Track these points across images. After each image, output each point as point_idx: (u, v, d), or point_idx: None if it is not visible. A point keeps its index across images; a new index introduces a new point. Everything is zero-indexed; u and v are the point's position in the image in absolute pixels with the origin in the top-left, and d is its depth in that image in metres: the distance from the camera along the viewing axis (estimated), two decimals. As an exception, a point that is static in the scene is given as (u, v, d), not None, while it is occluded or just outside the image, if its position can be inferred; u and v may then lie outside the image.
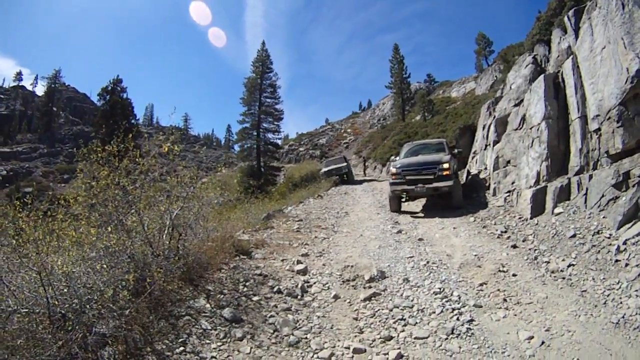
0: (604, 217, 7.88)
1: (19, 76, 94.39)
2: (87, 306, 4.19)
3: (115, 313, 4.31)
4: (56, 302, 4.02)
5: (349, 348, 5.12)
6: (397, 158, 16.28)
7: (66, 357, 3.68)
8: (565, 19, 11.37)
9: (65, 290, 4.21)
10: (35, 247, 4.19)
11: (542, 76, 11.37)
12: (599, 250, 7.09)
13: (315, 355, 4.98)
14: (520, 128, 12.48)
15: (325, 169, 30.89)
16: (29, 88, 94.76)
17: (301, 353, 5.03)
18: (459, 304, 6.12)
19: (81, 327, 3.94)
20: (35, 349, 3.57)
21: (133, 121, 43.48)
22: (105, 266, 4.87)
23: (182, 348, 4.52)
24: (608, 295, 5.83)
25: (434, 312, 5.94)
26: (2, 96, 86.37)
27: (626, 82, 8.13)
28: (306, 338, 5.39)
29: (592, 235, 7.60)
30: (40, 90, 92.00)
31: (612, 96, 8.47)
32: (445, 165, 13.16)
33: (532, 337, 5.04)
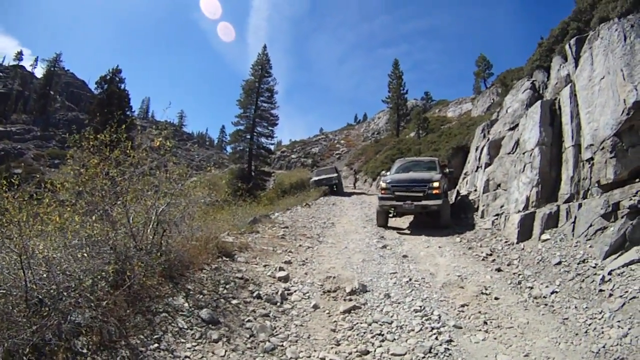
0: (590, 247, 7.86)
1: (19, 56, 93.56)
2: (65, 293, 4.11)
3: (92, 303, 4.24)
4: (34, 287, 3.94)
5: (324, 359, 5.03)
6: (388, 173, 16.28)
7: (39, 342, 3.60)
8: (567, 46, 11.42)
9: (45, 275, 4.14)
10: (18, 228, 4.09)
11: (539, 102, 11.41)
12: (584, 279, 7.08)
13: None
14: (513, 152, 12.51)
15: (316, 178, 30.91)
16: (29, 69, 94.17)
17: None
18: (438, 323, 6.03)
19: (57, 314, 3.86)
20: (8, 331, 3.49)
21: (128, 112, 43.48)
22: (86, 255, 4.79)
23: (156, 345, 4.45)
24: (590, 325, 5.81)
25: (413, 330, 5.85)
26: (1, 74, 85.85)
27: (622, 113, 8.15)
28: (282, 346, 5.30)
29: (578, 264, 7.58)
30: (39, 72, 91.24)
31: (608, 127, 8.48)
32: (436, 184, 13.16)
33: (510, 362, 4.99)
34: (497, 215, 12.00)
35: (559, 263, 7.91)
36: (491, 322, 6.11)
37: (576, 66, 10.58)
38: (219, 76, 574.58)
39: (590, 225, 8.16)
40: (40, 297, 3.94)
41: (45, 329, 3.67)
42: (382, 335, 5.73)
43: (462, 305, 6.74)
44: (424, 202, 13.08)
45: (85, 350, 3.88)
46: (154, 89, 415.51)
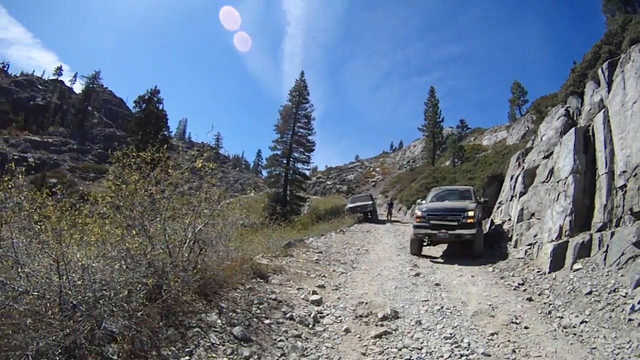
0: (621, 276, 7.80)
1: (58, 71, 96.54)
2: (100, 301, 4.29)
3: (126, 313, 4.44)
4: (69, 292, 4.12)
5: (353, 381, 5.17)
6: (424, 201, 16.31)
7: (71, 345, 3.78)
8: (599, 71, 11.45)
9: (80, 282, 4.31)
10: (57, 235, 4.31)
11: (572, 129, 11.43)
12: (614, 309, 7.04)
13: None
14: (548, 181, 12.47)
15: (351, 205, 31.00)
16: (68, 84, 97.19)
17: None
18: (467, 350, 6.11)
19: (91, 320, 4.05)
20: (41, 331, 3.68)
21: (166, 133, 44.44)
22: (124, 267, 5.00)
23: (187, 357, 4.61)
24: (617, 354, 5.81)
25: (442, 357, 5.94)
26: (40, 87, 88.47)
27: (654, 138, 8.12)
28: (312, 366, 5.45)
29: (608, 293, 7.54)
30: (78, 87, 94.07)
31: (640, 152, 8.45)
32: (471, 213, 13.19)
33: (535, 389, 5.05)
34: (530, 244, 11.92)
35: (590, 292, 7.87)
36: (520, 351, 6.14)
37: (609, 91, 10.60)
38: (255, 101, 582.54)
39: (622, 254, 8.10)
40: (74, 302, 4.12)
41: (78, 332, 3.83)
42: (412, 360, 5.83)
43: (492, 334, 6.77)
44: (458, 231, 13.12)
45: (115, 357, 4.05)
46: (192, 111, 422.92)
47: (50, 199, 4.81)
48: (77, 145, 71.64)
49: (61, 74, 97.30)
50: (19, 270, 4.14)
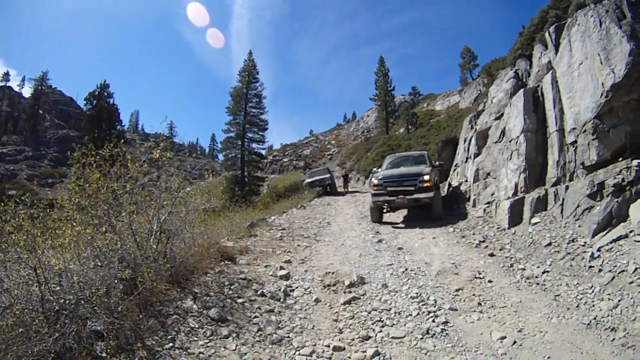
0: (579, 226, 8.11)
1: (6, 76, 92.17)
2: (82, 302, 4.30)
3: (107, 310, 4.47)
4: (50, 298, 4.12)
5: (329, 346, 5.31)
6: (379, 170, 16.43)
7: (61, 349, 3.80)
8: (547, 34, 11.69)
9: (58, 288, 4.30)
10: (32, 243, 4.29)
11: (522, 90, 11.70)
12: (574, 258, 7.32)
13: (297, 352, 5.18)
14: (500, 141, 12.73)
15: (309, 180, 30.97)
16: (16, 89, 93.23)
17: (284, 350, 5.23)
18: (434, 307, 6.29)
19: (75, 322, 4.07)
20: (30, 342, 3.67)
21: (119, 127, 43.56)
22: (99, 265, 5.02)
23: (171, 344, 4.68)
24: (581, 299, 6.03)
25: (411, 315, 6.12)
26: None
27: (601, 96, 8.43)
28: (288, 337, 5.59)
29: (567, 244, 7.83)
30: (27, 91, 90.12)
31: (588, 110, 8.78)
32: (426, 177, 13.36)
33: (504, 337, 5.23)
34: (488, 203, 12.24)
35: (549, 244, 8.16)
36: (485, 303, 6.36)
37: (556, 53, 10.86)
38: (205, 85, 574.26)
39: (578, 206, 8.41)
40: (57, 307, 4.12)
41: (66, 335, 3.86)
42: (382, 321, 6.00)
43: (457, 290, 6.98)
44: (415, 196, 13.27)
45: (104, 354, 4.09)
46: (142, 101, 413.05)
47: (19, 207, 4.76)
48: (32, 152, 69.41)
49: (9, 80, 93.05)
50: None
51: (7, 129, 76.14)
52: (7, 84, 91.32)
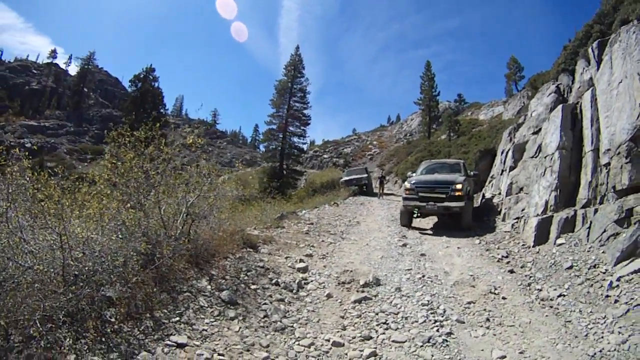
0: (602, 252, 7.90)
1: (53, 54, 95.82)
2: (100, 269, 4.58)
3: (123, 280, 4.77)
4: (71, 263, 4.37)
5: (329, 340, 5.45)
6: (414, 174, 16.40)
7: (73, 310, 4.06)
8: (590, 50, 11.42)
9: (80, 255, 4.53)
10: (61, 212, 4.53)
11: (560, 106, 11.45)
12: (592, 284, 7.15)
13: (296, 342, 5.35)
14: (536, 156, 12.53)
15: (346, 178, 31.09)
16: (62, 67, 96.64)
17: (284, 338, 5.41)
18: (442, 317, 6.31)
19: (90, 287, 4.34)
20: (45, 299, 3.89)
21: (162, 110, 44.57)
22: (120, 237, 5.30)
23: (178, 318, 4.93)
24: (591, 329, 5.89)
25: (417, 321, 6.16)
26: (35, 71, 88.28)
27: (638, 117, 8.19)
28: (292, 327, 5.78)
29: (588, 269, 7.65)
30: (73, 70, 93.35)
31: (624, 131, 8.52)
32: (458, 186, 13.30)
33: (504, 357, 5.19)
34: (517, 218, 12.06)
35: (570, 267, 7.99)
36: (494, 320, 6.32)
37: (598, 70, 10.59)
38: (252, 76, 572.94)
39: (604, 231, 8.19)
40: (76, 272, 4.36)
41: (80, 297, 4.12)
42: (387, 323, 6.09)
43: (469, 302, 6.96)
44: (446, 204, 13.24)
45: (113, 320, 4.32)
46: (188, 88, 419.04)
47: (52, 178, 5.01)
48: (74, 128, 71.70)
49: (56, 57, 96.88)
50: (25, 247, 4.33)
51: (50, 104, 78.51)
52: (54, 61, 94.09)
